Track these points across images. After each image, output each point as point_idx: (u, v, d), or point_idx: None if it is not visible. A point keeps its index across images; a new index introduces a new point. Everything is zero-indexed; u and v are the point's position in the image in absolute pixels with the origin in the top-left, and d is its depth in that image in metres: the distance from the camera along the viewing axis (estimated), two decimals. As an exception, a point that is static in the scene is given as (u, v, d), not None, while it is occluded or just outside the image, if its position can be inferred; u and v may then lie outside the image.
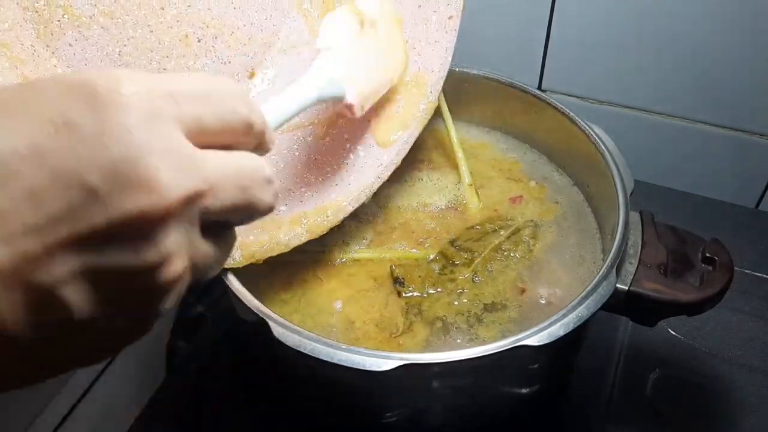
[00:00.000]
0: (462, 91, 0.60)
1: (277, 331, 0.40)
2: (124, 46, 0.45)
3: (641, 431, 0.54)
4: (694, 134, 0.72)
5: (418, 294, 0.49)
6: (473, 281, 0.50)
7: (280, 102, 0.37)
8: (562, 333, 0.40)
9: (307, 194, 0.49)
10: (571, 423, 0.56)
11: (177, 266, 0.23)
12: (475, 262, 0.51)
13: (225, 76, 0.48)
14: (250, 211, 0.26)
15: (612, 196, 0.49)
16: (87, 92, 0.22)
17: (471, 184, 0.57)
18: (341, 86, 0.43)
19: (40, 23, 0.42)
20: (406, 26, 0.51)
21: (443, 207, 0.57)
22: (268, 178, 0.27)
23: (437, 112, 0.56)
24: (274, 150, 0.50)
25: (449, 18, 0.50)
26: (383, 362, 0.38)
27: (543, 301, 0.49)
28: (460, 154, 0.57)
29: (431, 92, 0.51)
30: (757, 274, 0.64)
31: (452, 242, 0.52)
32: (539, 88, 0.76)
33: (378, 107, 0.51)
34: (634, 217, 0.48)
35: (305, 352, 0.39)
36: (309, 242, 0.47)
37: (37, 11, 0.41)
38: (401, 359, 0.38)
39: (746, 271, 0.64)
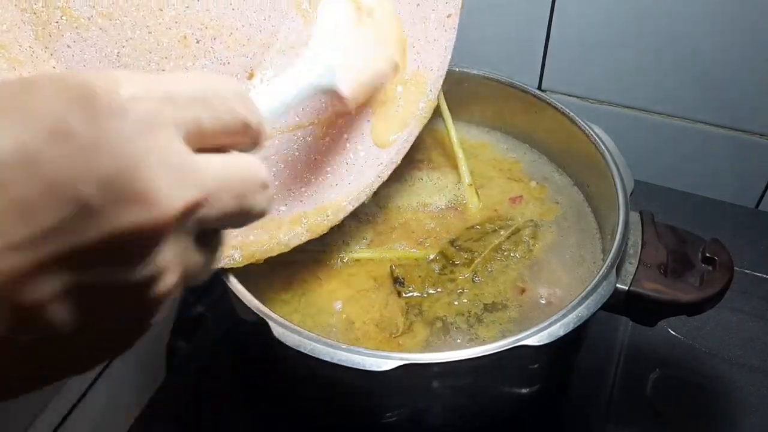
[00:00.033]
0: (462, 91, 0.60)
1: (277, 331, 0.40)
2: (123, 47, 0.45)
3: (641, 431, 0.54)
4: (694, 134, 0.72)
5: (418, 294, 0.49)
6: (473, 281, 0.50)
7: (275, 91, 0.36)
8: (562, 333, 0.40)
9: (307, 194, 0.49)
10: (571, 423, 0.56)
11: (170, 280, 0.23)
12: (475, 262, 0.51)
13: (223, 74, 0.48)
14: (244, 218, 0.26)
15: (612, 196, 0.49)
16: (84, 96, 0.20)
17: (471, 184, 0.57)
18: (336, 74, 0.42)
19: (39, 25, 0.42)
20: (405, 25, 0.51)
21: (443, 207, 0.57)
22: (265, 183, 0.26)
23: (437, 112, 0.56)
24: (274, 150, 0.51)
25: (448, 16, 0.50)
26: (383, 362, 0.38)
27: (543, 301, 0.49)
28: (460, 154, 0.57)
29: (431, 91, 0.51)
30: (757, 274, 0.64)
31: (452, 242, 0.52)
32: (539, 88, 0.76)
33: (377, 106, 0.51)
34: (634, 217, 0.48)
35: (305, 352, 0.39)
36: (309, 242, 0.47)
37: (35, 13, 0.41)
38: (401, 359, 0.38)
39: (746, 271, 0.64)
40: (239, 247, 0.44)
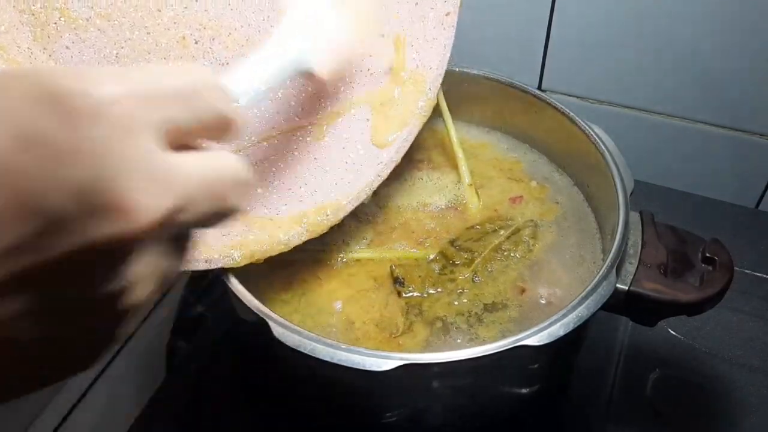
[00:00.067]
0: (462, 91, 0.60)
1: (277, 331, 0.40)
2: (122, 48, 0.45)
3: (641, 431, 0.54)
4: (694, 134, 0.72)
5: (418, 294, 0.49)
6: (473, 281, 0.50)
7: (250, 77, 0.35)
8: (562, 333, 0.40)
9: (306, 193, 0.49)
10: (571, 423, 0.56)
11: (143, 292, 0.21)
12: (475, 262, 0.51)
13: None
14: (221, 218, 0.24)
15: (612, 196, 0.49)
16: (55, 97, 0.19)
17: (471, 184, 0.57)
18: (310, 54, 0.40)
19: (37, 26, 0.42)
20: (403, 24, 0.51)
21: (443, 207, 0.57)
22: (244, 182, 0.25)
23: (437, 112, 0.56)
24: (274, 150, 0.51)
25: (446, 15, 0.50)
26: (383, 362, 0.38)
27: (543, 301, 0.49)
28: (460, 154, 0.57)
29: (430, 89, 0.51)
30: (757, 274, 0.64)
31: (452, 242, 0.52)
32: (539, 88, 0.76)
33: (376, 106, 0.51)
34: (634, 217, 0.48)
35: (305, 352, 0.39)
36: (309, 242, 0.47)
37: (33, 14, 0.41)
38: (401, 359, 0.38)
39: (746, 271, 0.64)
40: (239, 246, 0.44)
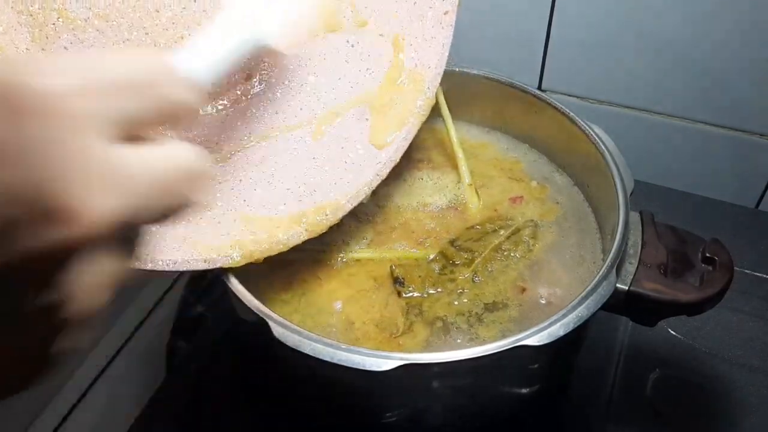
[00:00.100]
0: (462, 91, 0.60)
1: (277, 331, 0.40)
2: None
3: (641, 431, 0.54)
4: (694, 134, 0.72)
5: (418, 294, 0.49)
6: (473, 281, 0.50)
7: (205, 58, 0.33)
8: (562, 333, 0.40)
9: (305, 193, 0.49)
10: (571, 423, 0.56)
11: (87, 301, 0.20)
12: (476, 262, 0.51)
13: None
14: (176, 214, 0.22)
15: (612, 196, 0.49)
16: (2, 93, 0.17)
17: (471, 184, 0.57)
18: (265, 27, 0.38)
19: (35, 27, 0.41)
20: (402, 23, 0.51)
21: (443, 207, 0.57)
22: (201, 174, 0.23)
23: (437, 112, 0.56)
24: (272, 150, 0.51)
25: (445, 13, 0.50)
26: (383, 362, 0.38)
27: (543, 301, 0.49)
28: (460, 154, 0.57)
29: (428, 88, 0.51)
30: (757, 274, 0.64)
31: (452, 242, 0.52)
32: (539, 88, 0.76)
33: (375, 105, 0.51)
34: (634, 217, 0.48)
35: (305, 352, 0.39)
36: (309, 242, 0.47)
37: (31, 15, 0.41)
38: (401, 359, 0.38)
39: (746, 271, 0.64)
40: (238, 246, 0.44)
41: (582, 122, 0.55)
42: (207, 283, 0.66)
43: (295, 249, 0.46)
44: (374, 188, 0.49)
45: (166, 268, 0.41)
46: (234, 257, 0.43)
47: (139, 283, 0.67)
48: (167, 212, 0.22)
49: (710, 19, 0.63)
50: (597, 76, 0.72)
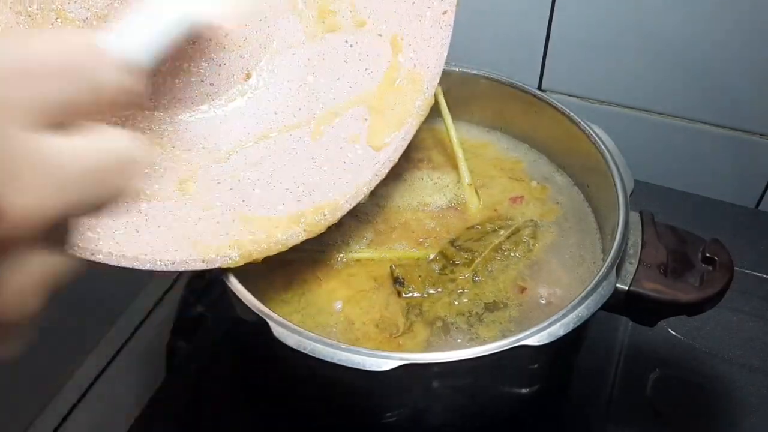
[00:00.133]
0: (462, 91, 0.60)
1: (277, 331, 0.40)
2: None
3: (641, 431, 0.54)
4: (694, 134, 0.72)
5: (419, 294, 0.49)
6: (473, 281, 0.50)
7: (139, 39, 0.31)
8: (562, 333, 0.40)
9: (304, 193, 0.49)
10: (571, 423, 0.56)
11: (16, 308, 0.18)
12: (476, 261, 0.51)
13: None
14: (112, 205, 0.21)
15: (612, 196, 0.49)
16: None
17: (471, 184, 0.57)
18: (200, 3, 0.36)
19: (34, 27, 0.41)
20: (400, 23, 0.51)
21: (443, 206, 0.57)
22: (134, 161, 0.21)
23: (437, 112, 0.55)
24: (271, 150, 0.51)
25: (443, 13, 0.50)
26: (383, 362, 0.38)
27: (543, 301, 0.49)
28: (460, 154, 0.57)
29: (427, 89, 0.51)
30: (757, 274, 0.64)
31: (452, 242, 0.52)
32: (539, 88, 0.76)
33: (373, 105, 0.51)
34: (634, 217, 0.48)
35: (305, 352, 0.39)
36: (309, 242, 0.47)
37: (30, 15, 0.41)
38: (401, 359, 0.38)
39: (746, 271, 0.64)
40: (236, 246, 0.44)
41: (582, 122, 0.55)
42: (207, 283, 0.66)
43: (295, 249, 0.46)
44: (373, 188, 0.49)
45: (165, 268, 0.41)
46: (233, 257, 0.43)
47: (139, 283, 0.67)
48: (102, 203, 0.21)
49: (710, 19, 0.63)
50: (597, 76, 0.72)
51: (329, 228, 0.47)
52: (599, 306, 0.42)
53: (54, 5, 0.42)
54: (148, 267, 0.40)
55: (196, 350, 0.61)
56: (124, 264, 0.39)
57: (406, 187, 0.58)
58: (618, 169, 0.50)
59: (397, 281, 0.50)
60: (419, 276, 0.50)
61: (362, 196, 0.49)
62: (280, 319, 0.41)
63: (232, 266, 0.44)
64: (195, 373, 0.60)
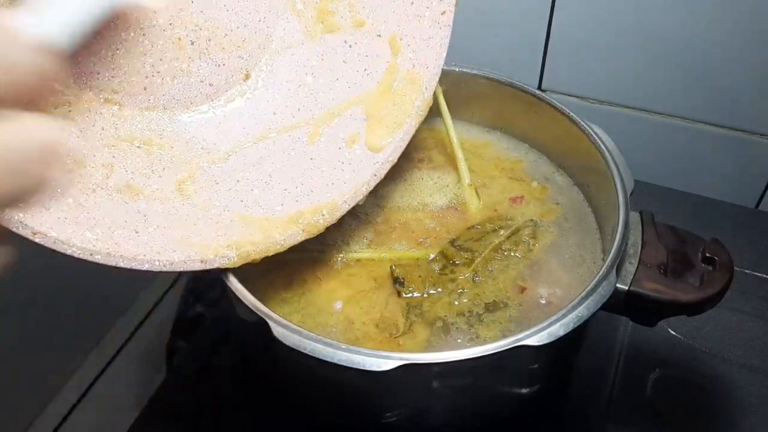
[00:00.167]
0: (462, 91, 0.60)
1: (277, 331, 0.40)
2: (117, 49, 0.45)
3: (641, 431, 0.54)
4: (694, 134, 0.72)
5: (419, 294, 0.49)
6: (474, 281, 0.50)
7: (62, 20, 0.29)
8: (562, 333, 0.40)
9: (303, 193, 0.49)
10: (571, 423, 0.56)
11: None
12: (476, 261, 0.51)
13: None
14: (30, 195, 0.20)
15: (612, 196, 0.49)
16: None
17: (471, 184, 0.57)
18: None
19: None
20: (399, 23, 0.51)
21: (443, 206, 0.57)
22: (54, 148, 0.20)
23: (437, 112, 0.55)
24: (270, 150, 0.51)
25: (442, 13, 0.50)
26: (383, 362, 0.38)
27: (543, 301, 0.49)
28: (459, 154, 0.57)
29: (426, 89, 0.51)
30: (757, 274, 0.64)
31: (452, 242, 0.52)
32: (539, 88, 0.76)
33: (372, 105, 0.51)
34: (634, 217, 0.48)
35: (305, 352, 0.39)
36: (309, 242, 0.47)
37: None
38: (401, 359, 0.38)
39: (746, 271, 0.64)
40: (235, 247, 0.44)
41: (582, 122, 0.55)
42: (206, 283, 0.66)
43: (295, 249, 0.46)
44: (372, 189, 0.49)
45: (163, 269, 0.41)
46: (231, 258, 0.43)
47: (139, 283, 0.67)
48: (20, 194, 0.20)
49: (710, 19, 0.63)
50: (597, 76, 0.72)
51: (329, 228, 0.47)
52: (599, 306, 0.42)
53: None
54: (146, 267, 0.40)
55: (196, 350, 0.61)
56: (122, 264, 0.39)
57: (406, 187, 0.58)
58: (618, 169, 0.50)
59: (397, 281, 0.50)
60: (419, 276, 0.50)
61: (361, 197, 0.49)
62: (280, 319, 0.41)
63: (230, 267, 0.44)
64: (195, 373, 0.60)
